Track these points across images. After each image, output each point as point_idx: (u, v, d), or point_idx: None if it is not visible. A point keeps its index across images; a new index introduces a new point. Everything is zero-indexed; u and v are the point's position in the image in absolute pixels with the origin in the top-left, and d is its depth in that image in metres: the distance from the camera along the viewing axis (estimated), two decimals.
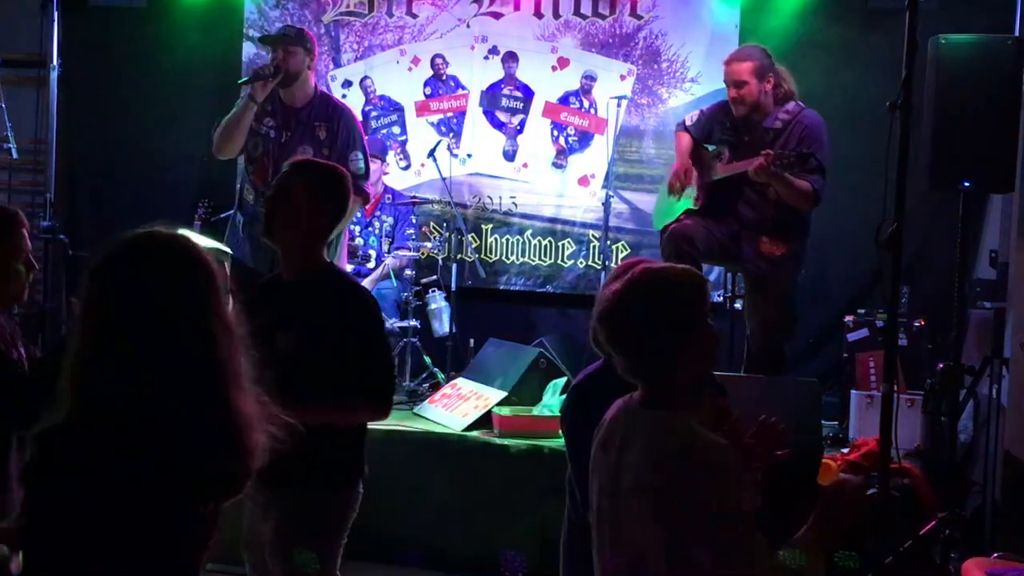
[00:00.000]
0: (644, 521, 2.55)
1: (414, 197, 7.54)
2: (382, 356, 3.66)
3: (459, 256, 7.34)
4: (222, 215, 7.73)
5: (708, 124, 6.12)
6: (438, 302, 7.09)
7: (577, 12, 7.75)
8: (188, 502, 2.21)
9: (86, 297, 2.22)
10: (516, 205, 7.90)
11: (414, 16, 8.00)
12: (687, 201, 6.07)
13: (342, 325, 3.50)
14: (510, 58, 7.88)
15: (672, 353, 2.59)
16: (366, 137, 6.39)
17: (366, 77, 8.06)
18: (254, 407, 2.28)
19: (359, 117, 7.77)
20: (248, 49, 8.16)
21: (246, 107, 5.84)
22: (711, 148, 6.06)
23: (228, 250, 6.31)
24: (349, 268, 6.86)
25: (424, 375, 6.88)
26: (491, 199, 7.92)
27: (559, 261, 7.82)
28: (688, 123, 6.22)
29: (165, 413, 2.15)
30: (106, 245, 2.29)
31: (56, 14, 7.99)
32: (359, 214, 7.28)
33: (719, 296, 6.91)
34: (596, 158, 7.70)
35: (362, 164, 6.06)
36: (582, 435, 2.98)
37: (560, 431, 3.58)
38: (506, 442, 5.71)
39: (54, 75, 8.01)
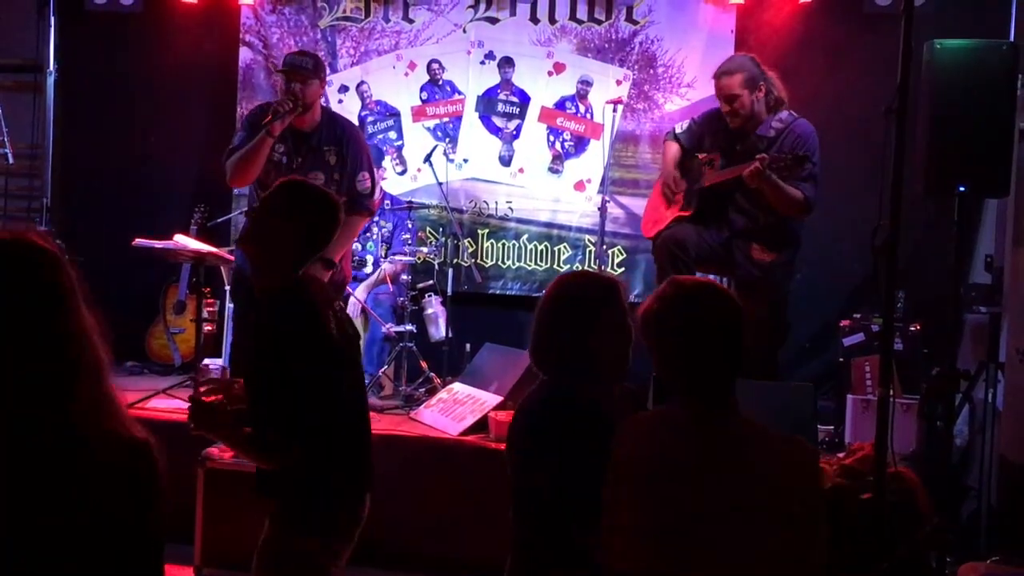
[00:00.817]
0: (759, 533, 2.58)
1: (410, 202, 7.53)
2: (277, 400, 3.23)
3: (455, 261, 7.34)
4: (218, 220, 7.74)
5: (699, 132, 6.14)
6: (434, 307, 7.09)
7: (573, 17, 7.76)
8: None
9: None
10: (512, 210, 7.91)
11: (410, 21, 8.01)
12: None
13: (254, 354, 3.32)
14: (506, 63, 7.89)
15: (707, 355, 2.70)
16: (371, 169, 6.40)
17: (362, 82, 8.07)
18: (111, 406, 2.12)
19: (356, 123, 7.80)
20: (244, 54, 8.16)
21: (263, 142, 5.82)
22: (701, 156, 6.07)
23: (223, 254, 6.32)
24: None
25: (420, 380, 6.88)
26: (487, 204, 7.93)
27: (555, 266, 7.82)
28: (678, 131, 6.25)
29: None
30: None
31: (52, 19, 8.02)
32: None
33: None
34: (592, 163, 7.71)
35: (368, 184, 6.14)
36: (536, 459, 3.07)
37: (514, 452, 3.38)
38: (503, 446, 5.68)
39: (50, 80, 8.03)
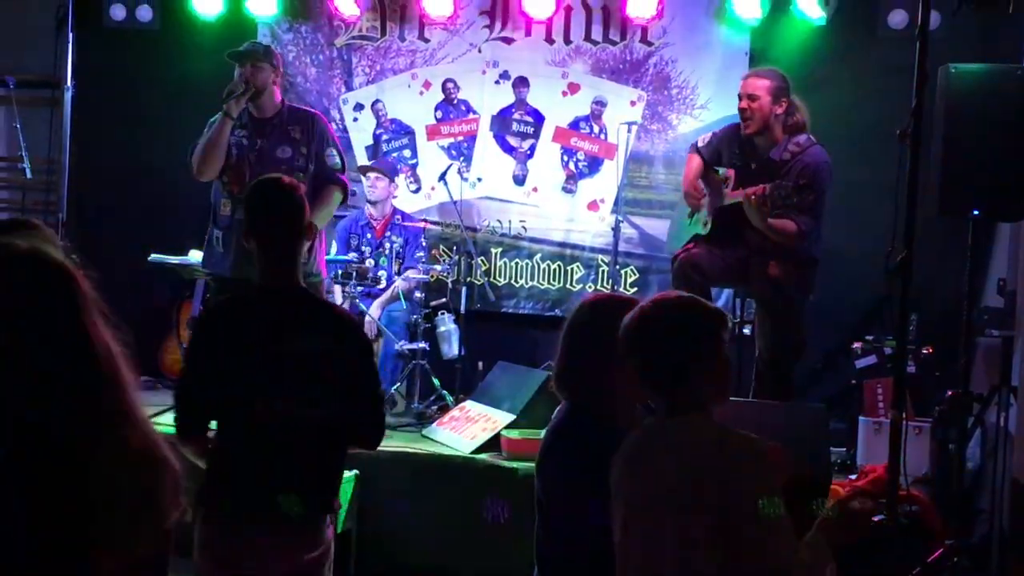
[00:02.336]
0: (687, 522, 2.62)
1: (424, 220, 7.56)
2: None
3: (468, 279, 7.36)
4: None
5: (718, 146, 6.14)
6: (447, 325, 7.11)
7: (588, 38, 7.80)
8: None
9: None
10: (525, 229, 7.93)
11: (426, 40, 8.05)
12: (697, 226, 6.10)
13: None
14: (521, 83, 7.92)
15: (687, 363, 2.72)
16: (340, 148, 6.36)
17: (377, 100, 8.11)
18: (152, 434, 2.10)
19: (370, 141, 7.84)
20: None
21: (223, 123, 5.86)
22: (720, 171, 6.08)
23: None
24: (359, 289, 6.89)
25: (433, 397, 6.89)
26: (501, 223, 7.95)
27: (568, 285, 7.84)
28: (700, 144, 6.25)
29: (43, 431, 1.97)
30: None
31: (71, 35, 8.07)
32: (369, 235, 7.34)
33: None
34: (606, 183, 7.73)
35: (338, 159, 6.09)
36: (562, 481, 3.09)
37: (540, 475, 3.34)
38: (514, 465, 5.71)
39: (68, 96, 8.08)
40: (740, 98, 5.88)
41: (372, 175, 7.48)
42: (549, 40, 7.85)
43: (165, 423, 6.25)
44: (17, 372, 1.97)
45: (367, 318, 6.92)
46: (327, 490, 3.51)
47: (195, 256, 6.65)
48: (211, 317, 3.61)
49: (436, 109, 8.08)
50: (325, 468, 3.49)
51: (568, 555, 3.19)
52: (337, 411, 3.38)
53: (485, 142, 7.99)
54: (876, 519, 4.38)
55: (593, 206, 7.84)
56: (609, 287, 7.33)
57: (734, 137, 6.10)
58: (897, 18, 7.03)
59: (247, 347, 3.33)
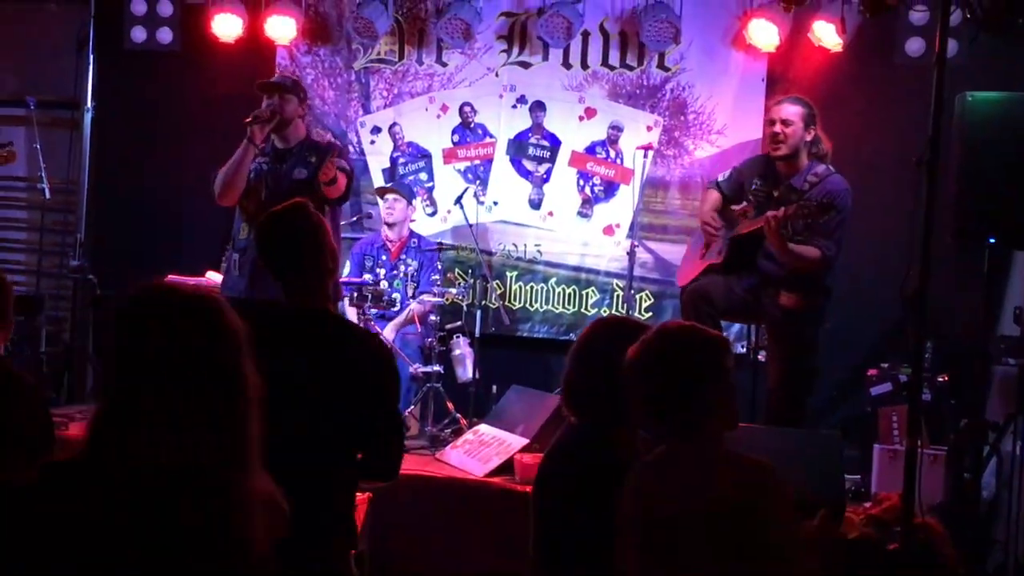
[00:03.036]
0: (702, 552, 2.61)
1: (440, 243, 7.58)
2: None
3: (483, 302, 7.37)
4: None
5: (738, 178, 6.16)
6: (462, 348, 7.11)
7: (605, 63, 7.82)
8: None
9: (117, 347, 2.16)
10: (541, 253, 7.94)
11: (444, 64, 8.08)
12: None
13: None
14: (538, 107, 7.95)
15: (691, 394, 2.74)
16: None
17: (395, 124, 8.14)
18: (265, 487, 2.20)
19: (387, 164, 7.87)
20: None
21: (246, 150, 5.94)
22: (736, 208, 6.09)
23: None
24: (373, 311, 6.90)
25: (446, 420, 6.89)
26: (516, 246, 7.97)
27: (583, 309, 7.84)
28: (720, 179, 6.28)
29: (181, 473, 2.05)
30: (134, 294, 2.21)
31: (91, 57, 8.13)
32: (384, 257, 7.37)
33: (742, 348, 6.92)
34: (621, 208, 7.75)
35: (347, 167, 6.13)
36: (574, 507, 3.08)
37: (537, 496, 3.36)
38: (528, 488, 5.69)
39: (88, 117, 8.13)
40: (773, 123, 5.92)
41: (390, 197, 7.51)
42: (566, 65, 7.88)
43: None
44: (167, 408, 2.07)
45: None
46: (344, 523, 3.47)
47: (212, 277, 6.67)
48: None
49: (453, 133, 8.10)
50: (340, 500, 3.46)
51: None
52: (348, 438, 3.35)
53: (501, 166, 8.01)
54: (890, 547, 4.37)
55: (609, 231, 7.85)
56: (624, 312, 7.33)
57: (756, 166, 6.13)
58: (914, 46, 7.03)
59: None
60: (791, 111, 5.87)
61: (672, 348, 2.79)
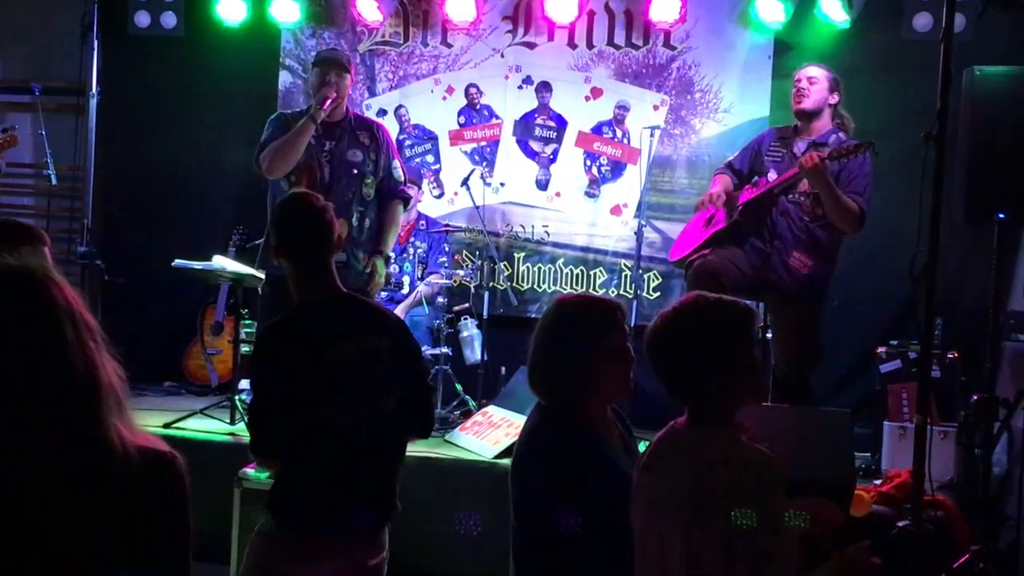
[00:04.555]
0: (695, 536, 2.60)
1: (447, 225, 7.57)
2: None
3: (491, 284, 7.36)
4: (257, 241, 7.79)
5: (755, 147, 6.15)
6: (470, 330, 7.11)
7: (611, 42, 7.79)
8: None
9: None
10: (548, 234, 7.93)
11: (449, 46, 8.06)
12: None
13: None
14: (544, 88, 7.92)
15: (711, 374, 2.66)
16: (400, 160, 6.47)
17: (400, 106, 8.12)
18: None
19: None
20: (284, 78, 8.24)
21: (307, 126, 5.92)
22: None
23: (261, 275, 6.36)
24: (382, 294, 6.90)
25: (455, 402, 6.89)
26: (523, 228, 7.95)
27: (591, 290, 7.81)
28: (731, 159, 6.27)
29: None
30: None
31: (96, 42, 8.10)
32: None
33: None
34: (629, 188, 7.73)
35: (400, 172, 6.30)
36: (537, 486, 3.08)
37: (515, 477, 3.38)
38: None
39: (93, 102, 8.12)
40: (798, 81, 5.97)
41: None
42: (572, 45, 7.85)
43: (189, 428, 6.30)
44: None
45: None
46: (389, 494, 3.62)
47: (219, 262, 6.67)
48: (266, 340, 3.67)
49: (459, 114, 8.09)
50: (386, 471, 3.61)
51: (541, 561, 3.18)
52: (393, 409, 3.51)
53: (508, 147, 7.99)
54: (900, 524, 4.36)
55: (616, 211, 7.83)
56: (632, 292, 7.33)
57: (774, 133, 6.14)
58: (922, 21, 7.00)
59: (303, 361, 3.41)
60: (816, 71, 5.92)
61: (694, 324, 2.75)
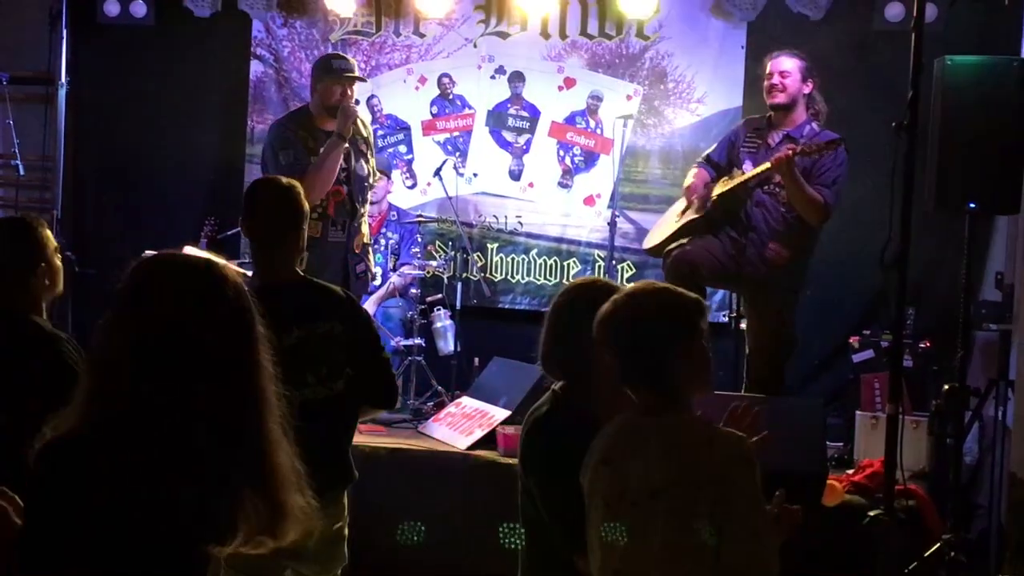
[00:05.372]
0: (667, 522, 2.59)
1: (419, 216, 7.55)
2: None
3: (464, 275, 7.35)
4: (228, 232, 7.75)
5: (729, 138, 6.14)
6: (443, 321, 7.09)
7: (584, 32, 7.78)
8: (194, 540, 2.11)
9: (116, 317, 2.20)
10: (522, 224, 7.91)
11: (421, 36, 8.02)
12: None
13: None
14: (517, 78, 7.90)
15: (666, 356, 2.65)
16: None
17: (373, 96, 8.08)
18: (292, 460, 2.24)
19: None
20: (255, 67, 8.18)
21: (339, 150, 5.78)
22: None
23: (237, 268, 6.31)
24: None
25: (428, 393, 6.88)
26: (496, 218, 7.93)
27: (564, 281, 7.80)
28: (708, 152, 6.26)
29: (191, 435, 2.08)
30: (136, 266, 2.31)
31: (65, 32, 8.04)
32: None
33: (724, 316, 6.91)
34: (602, 178, 7.72)
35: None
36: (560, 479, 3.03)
37: (527, 469, 3.33)
38: (510, 461, 5.68)
39: (62, 92, 8.06)
40: (770, 75, 5.90)
41: None
42: (545, 35, 7.83)
43: None
44: (169, 373, 2.10)
45: None
46: (346, 464, 3.78)
47: (190, 252, 6.62)
48: None
49: (432, 104, 8.05)
50: (342, 444, 3.77)
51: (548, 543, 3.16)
52: (344, 390, 3.64)
53: (481, 137, 7.97)
54: (872, 513, 4.38)
55: (589, 201, 7.82)
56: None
57: (749, 124, 6.13)
58: (894, 11, 7.01)
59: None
60: (788, 63, 5.88)
61: (644, 311, 2.74)
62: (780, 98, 5.87)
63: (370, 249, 6.24)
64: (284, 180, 3.82)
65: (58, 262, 3.63)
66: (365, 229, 6.14)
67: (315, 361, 3.59)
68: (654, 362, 2.70)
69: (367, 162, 6.06)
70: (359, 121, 6.05)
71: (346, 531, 3.81)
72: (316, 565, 3.67)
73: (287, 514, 2.19)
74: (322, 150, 5.75)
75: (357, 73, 6.06)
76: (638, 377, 2.75)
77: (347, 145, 5.86)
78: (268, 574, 3.52)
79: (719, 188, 5.99)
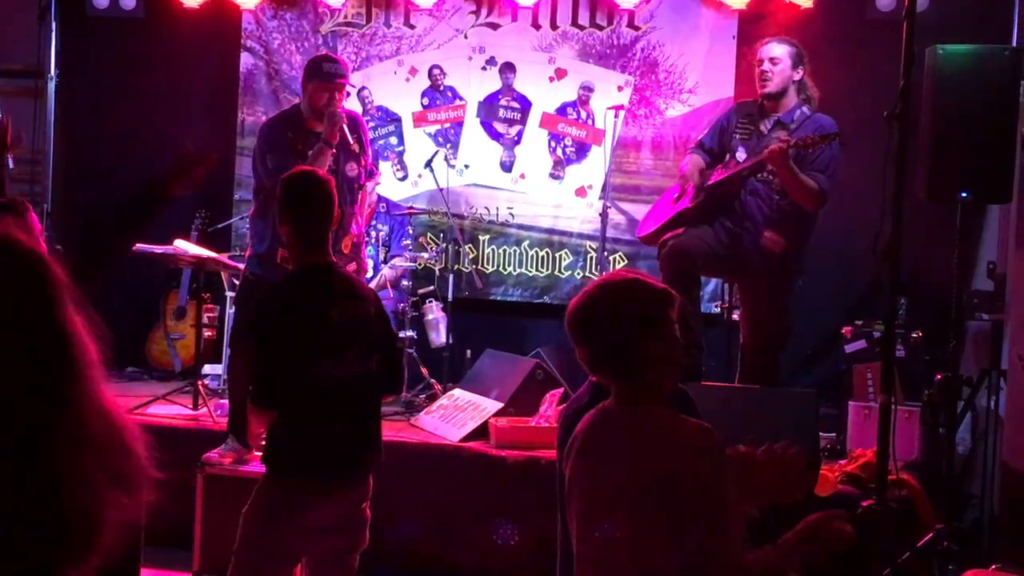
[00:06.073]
0: (636, 514, 2.58)
1: (411, 207, 7.53)
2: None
3: (456, 267, 7.33)
4: (219, 225, 7.73)
5: (723, 124, 6.13)
6: (435, 313, 7.08)
7: (575, 23, 7.76)
8: None
9: None
10: (513, 216, 7.89)
11: (412, 27, 8.00)
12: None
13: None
14: (507, 69, 7.88)
15: (634, 346, 2.65)
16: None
17: (364, 88, 8.05)
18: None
19: None
20: (246, 59, 8.15)
21: (324, 154, 5.72)
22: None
23: (228, 261, 6.31)
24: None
25: (421, 386, 6.86)
26: (488, 210, 7.91)
27: (556, 272, 7.81)
28: (701, 138, 6.24)
29: None
30: None
31: (54, 25, 8.01)
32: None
33: (716, 307, 6.91)
34: (593, 169, 7.70)
35: (372, 158, 6.35)
36: None
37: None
38: (503, 453, 5.69)
39: (51, 85, 8.03)
40: (760, 62, 5.91)
41: None
42: (536, 25, 7.81)
43: (152, 414, 6.24)
44: None
45: None
46: (377, 441, 4.05)
47: (180, 246, 6.61)
48: (270, 302, 4.01)
49: (422, 96, 8.03)
50: (373, 421, 4.03)
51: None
52: (376, 366, 3.93)
53: (472, 129, 7.95)
54: (865, 503, 4.37)
55: (581, 192, 7.80)
56: (597, 274, 7.31)
57: (741, 109, 6.12)
58: (885, 0, 7.00)
59: (305, 320, 3.81)
60: (778, 50, 5.87)
61: (614, 301, 2.75)
62: (769, 87, 5.87)
63: (362, 246, 6.23)
64: (321, 173, 4.18)
65: (43, 246, 3.60)
66: (355, 229, 6.13)
67: (355, 339, 3.86)
68: (623, 352, 2.71)
69: (358, 163, 6.03)
70: (346, 128, 6.02)
71: (368, 514, 4.04)
72: (342, 541, 3.93)
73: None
74: (309, 154, 5.74)
75: (348, 77, 6.01)
76: (608, 367, 2.76)
77: (337, 146, 5.86)
78: (299, 548, 3.89)
79: (715, 177, 5.98)
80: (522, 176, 7.89)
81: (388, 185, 7.85)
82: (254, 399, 3.83)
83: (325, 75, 5.85)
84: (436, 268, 7.24)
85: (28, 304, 2.00)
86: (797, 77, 5.86)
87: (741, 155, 5.92)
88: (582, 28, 7.76)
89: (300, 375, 3.78)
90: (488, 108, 7.93)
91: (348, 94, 6.04)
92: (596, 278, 4.18)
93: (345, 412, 3.87)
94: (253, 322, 4.07)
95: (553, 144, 7.85)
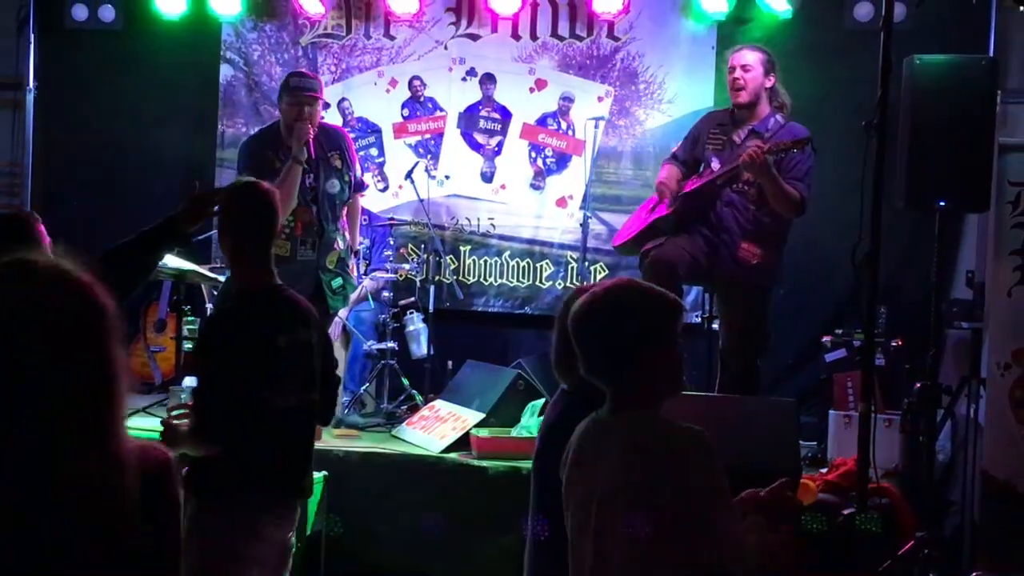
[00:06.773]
0: (632, 519, 2.58)
1: (391, 219, 7.52)
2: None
3: (437, 278, 7.33)
4: (199, 237, 7.70)
5: (695, 134, 6.14)
6: (416, 324, 7.06)
7: (555, 34, 7.77)
8: None
9: None
10: (494, 226, 7.89)
11: (392, 38, 7.99)
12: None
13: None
14: (488, 80, 7.88)
15: (637, 355, 2.65)
16: (357, 158, 6.45)
17: (344, 99, 8.04)
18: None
19: None
20: (225, 71, 8.14)
21: (296, 173, 5.78)
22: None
23: (208, 273, 6.29)
24: None
25: (402, 397, 6.85)
26: (469, 220, 7.91)
27: (537, 282, 7.81)
28: (674, 149, 6.26)
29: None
30: None
31: (32, 36, 7.98)
32: None
33: (697, 317, 6.91)
34: (574, 179, 7.70)
35: (359, 172, 6.38)
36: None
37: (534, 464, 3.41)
38: (484, 464, 5.68)
39: (30, 97, 8.00)
40: (732, 69, 5.92)
41: None
42: (515, 36, 7.82)
43: (132, 427, 6.19)
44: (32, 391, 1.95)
45: (335, 319, 6.87)
46: (310, 476, 3.83)
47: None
48: (214, 327, 3.90)
49: (403, 107, 8.03)
50: (309, 447, 3.80)
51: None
52: (315, 399, 3.73)
53: (452, 139, 7.95)
54: (846, 512, 4.38)
55: (562, 203, 7.81)
56: (579, 284, 7.31)
57: (713, 118, 6.13)
58: (863, 10, 7.03)
59: (252, 347, 3.56)
60: (750, 56, 5.90)
61: (619, 306, 2.73)
62: (743, 96, 5.89)
63: (350, 261, 6.23)
64: (264, 185, 3.84)
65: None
66: (341, 243, 6.13)
67: (298, 368, 3.65)
68: (625, 359, 2.69)
69: (340, 179, 6.02)
70: (321, 143, 6.02)
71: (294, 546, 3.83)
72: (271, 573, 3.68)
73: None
74: (282, 171, 5.76)
75: (320, 91, 6.03)
76: (608, 373, 2.74)
77: (316, 163, 5.92)
78: None
79: (689, 186, 6.00)
80: (503, 187, 7.89)
81: (369, 196, 7.80)
82: (196, 432, 3.57)
83: (292, 90, 5.92)
84: (417, 279, 7.23)
85: (85, 338, 2.03)
86: (769, 84, 5.88)
87: (716, 165, 5.94)
88: (562, 39, 7.77)
89: (243, 407, 3.51)
90: (468, 119, 7.93)
91: (327, 106, 6.00)
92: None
93: (287, 443, 3.65)
94: (196, 353, 3.92)
95: (534, 155, 7.86)
